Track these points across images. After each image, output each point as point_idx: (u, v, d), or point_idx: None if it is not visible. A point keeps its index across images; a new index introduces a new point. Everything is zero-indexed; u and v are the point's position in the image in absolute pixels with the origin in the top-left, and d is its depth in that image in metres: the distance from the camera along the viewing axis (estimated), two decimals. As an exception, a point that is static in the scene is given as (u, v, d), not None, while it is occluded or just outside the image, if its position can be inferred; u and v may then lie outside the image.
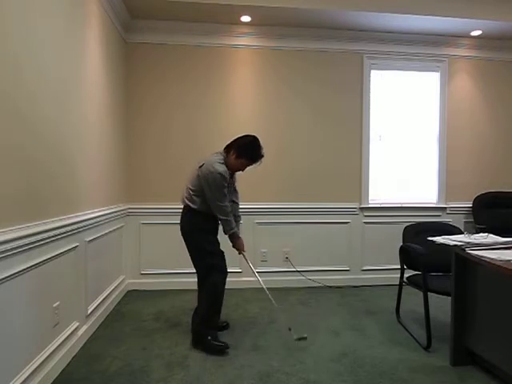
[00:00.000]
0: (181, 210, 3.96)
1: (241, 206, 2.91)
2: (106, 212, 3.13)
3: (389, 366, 2.33)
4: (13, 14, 1.79)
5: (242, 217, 2.94)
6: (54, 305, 2.20)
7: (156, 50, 3.90)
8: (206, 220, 2.61)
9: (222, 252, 2.67)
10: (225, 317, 2.86)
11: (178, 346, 2.59)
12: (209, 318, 2.59)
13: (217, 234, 2.71)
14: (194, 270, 2.73)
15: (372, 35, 4.07)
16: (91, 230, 2.79)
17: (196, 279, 2.75)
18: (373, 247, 4.16)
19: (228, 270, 2.67)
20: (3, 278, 1.68)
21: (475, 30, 3.98)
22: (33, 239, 1.91)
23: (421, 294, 2.59)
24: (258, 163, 2.62)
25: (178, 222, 3.95)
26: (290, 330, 2.69)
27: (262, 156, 2.61)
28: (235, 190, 2.83)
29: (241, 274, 3.82)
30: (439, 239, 2.55)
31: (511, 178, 4.37)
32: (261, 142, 2.63)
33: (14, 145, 1.81)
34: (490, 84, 4.34)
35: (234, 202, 2.77)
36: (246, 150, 2.57)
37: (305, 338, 2.68)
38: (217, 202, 2.53)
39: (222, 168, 2.52)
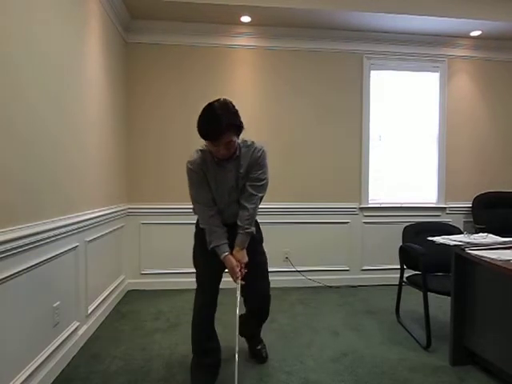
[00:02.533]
0: (180, 210, 4.00)
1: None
2: (106, 212, 3.13)
3: (389, 366, 2.33)
4: (12, 13, 1.79)
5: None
6: (54, 305, 2.20)
7: (156, 50, 3.90)
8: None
9: (213, 274, 2.10)
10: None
11: (178, 346, 2.60)
12: (193, 344, 2.16)
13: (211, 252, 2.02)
14: (194, 270, 2.65)
15: (372, 35, 4.07)
16: (91, 230, 2.79)
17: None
18: (372, 247, 4.16)
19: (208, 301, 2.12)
20: (3, 278, 1.69)
21: (475, 30, 3.99)
22: (33, 239, 1.91)
23: (420, 293, 2.59)
24: (215, 141, 1.82)
25: (178, 221, 4.02)
26: None
27: (202, 130, 1.82)
28: (248, 189, 2.00)
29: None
30: (439, 239, 2.56)
31: (511, 177, 4.37)
32: (216, 107, 1.81)
33: (14, 145, 1.81)
34: (489, 84, 4.34)
35: (241, 204, 2.01)
36: None
37: None
38: (192, 200, 2.06)
39: (193, 157, 1.98)
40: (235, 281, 1.99)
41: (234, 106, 1.87)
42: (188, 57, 3.94)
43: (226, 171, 1.97)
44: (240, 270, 1.96)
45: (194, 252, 2.18)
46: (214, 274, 2.11)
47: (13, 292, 1.78)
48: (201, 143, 1.98)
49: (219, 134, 1.80)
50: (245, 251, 2.01)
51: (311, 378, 2.19)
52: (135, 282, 3.90)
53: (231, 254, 1.98)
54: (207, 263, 2.07)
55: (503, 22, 3.78)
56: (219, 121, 1.77)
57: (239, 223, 1.99)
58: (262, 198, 2.08)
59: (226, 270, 2.05)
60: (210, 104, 1.84)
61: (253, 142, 2.03)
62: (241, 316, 2.12)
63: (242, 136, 1.98)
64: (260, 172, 2.01)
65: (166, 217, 3.89)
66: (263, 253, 2.22)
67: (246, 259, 2.00)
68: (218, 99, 1.85)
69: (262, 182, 2.03)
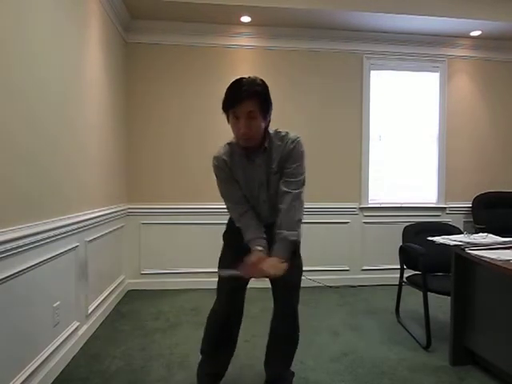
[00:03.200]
0: (179, 210, 4.01)
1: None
2: (106, 212, 3.13)
3: (389, 366, 2.33)
4: (12, 13, 1.79)
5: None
6: (54, 305, 2.20)
7: (156, 50, 3.90)
8: (232, 229, 1.86)
9: (236, 283, 1.82)
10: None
11: (178, 346, 2.60)
12: (202, 343, 2.04)
13: (241, 250, 1.71)
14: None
15: (372, 35, 4.07)
16: (91, 229, 2.79)
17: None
18: (373, 247, 4.16)
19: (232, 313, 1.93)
20: (4, 278, 1.69)
21: (475, 30, 3.99)
22: (33, 239, 1.91)
23: (421, 293, 2.60)
24: (235, 107, 1.63)
25: (178, 221, 4.03)
26: None
27: (224, 98, 1.66)
28: (281, 188, 1.73)
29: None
30: (439, 239, 2.56)
31: (511, 177, 4.37)
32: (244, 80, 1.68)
33: (14, 146, 1.81)
34: (489, 84, 4.34)
35: (278, 207, 1.73)
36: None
37: None
38: (222, 198, 1.86)
39: (219, 151, 1.81)
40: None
41: (263, 82, 1.70)
42: (188, 57, 3.94)
43: (255, 166, 1.75)
44: (252, 271, 1.58)
45: (220, 254, 1.96)
46: (236, 284, 1.83)
47: (13, 292, 1.77)
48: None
49: (239, 99, 1.60)
50: (284, 265, 1.59)
51: (311, 378, 2.19)
52: (135, 281, 3.90)
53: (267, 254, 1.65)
54: (233, 258, 1.74)
55: (503, 22, 3.78)
56: (241, 85, 1.63)
57: (276, 229, 1.69)
58: (299, 196, 1.71)
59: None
60: (251, 76, 1.73)
61: (287, 133, 1.77)
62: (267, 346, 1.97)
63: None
64: (295, 166, 1.71)
65: (165, 217, 3.89)
66: (296, 265, 1.80)
67: (276, 272, 1.57)
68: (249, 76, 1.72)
69: (298, 178, 1.71)
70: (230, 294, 1.89)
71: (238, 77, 1.70)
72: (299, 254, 1.88)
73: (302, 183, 1.74)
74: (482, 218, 4.05)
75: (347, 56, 4.13)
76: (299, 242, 1.79)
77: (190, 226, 3.85)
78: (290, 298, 1.86)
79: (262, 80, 1.71)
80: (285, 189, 1.71)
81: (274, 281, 1.78)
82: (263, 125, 1.69)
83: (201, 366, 2.03)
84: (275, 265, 1.59)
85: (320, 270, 4.07)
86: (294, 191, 1.70)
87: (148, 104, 3.91)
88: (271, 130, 1.78)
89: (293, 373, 2.01)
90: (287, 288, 1.83)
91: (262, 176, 1.76)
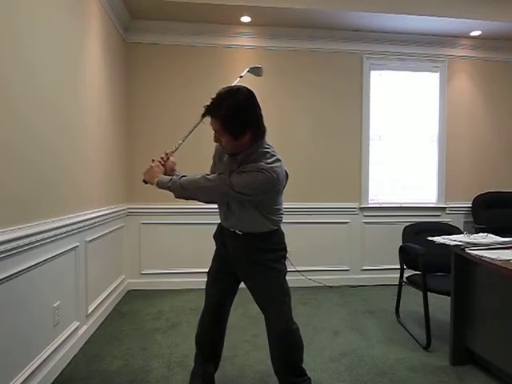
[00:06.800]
0: (179, 210, 4.01)
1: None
2: (106, 212, 3.13)
3: (388, 366, 2.33)
4: (9, 12, 1.78)
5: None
6: (54, 305, 2.20)
7: (156, 50, 3.89)
8: (217, 230, 2.00)
9: (217, 287, 1.94)
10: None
11: (178, 346, 2.60)
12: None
13: (218, 256, 1.96)
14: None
15: (372, 36, 4.07)
16: (91, 229, 2.79)
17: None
18: (372, 247, 4.16)
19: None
20: (3, 278, 1.69)
21: (474, 30, 3.98)
22: (33, 239, 1.91)
23: (421, 293, 2.60)
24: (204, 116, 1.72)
25: (178, 221, 4.03)
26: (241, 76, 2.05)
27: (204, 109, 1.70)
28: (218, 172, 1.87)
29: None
30: (439, 239, 2.56)
31: (511, 177, 4.37)
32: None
33: (15, 146, 1.81)
34: (489, 84, 4.34)
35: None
36: None
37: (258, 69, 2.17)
38: None
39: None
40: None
41: (248, 108, 1.63)
42: (188, 57, 3.94)
43: (225, 161, 1.78)
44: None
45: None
46: (217, 288, 1.93)
47: (13, 292, 1.77)
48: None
49: (206, 113, 1.65)
50: (148, 170, 1.97)
51: (311, 378, 2.18)
52: (135, 281, 3.90)
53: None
54: (213, 270, 1.95)
55: (503, 22, 3.77)
56: (212, 101, 1.63)
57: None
58: (218, 182, 1.70)
59: (242, 286, 1.94)
60: (238, 87, 1.68)
61: (269, 156, 1.74)
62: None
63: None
64: (244, 171, 1.65)
65: (166, 217, 3.89)
66: (271, 268, 1.81)
67: (144, 176, 1.97)
68: (249, 90, 1.66)
69: (234, 181, 1.64)
70: (215, 298, 1.95)
71: (227, 86, 1.71)
72: (271, 267, 1.82)
73: (230, 187, 1.65)
74: (481, 217, 4.04)
75: (347, 56, 4.13)
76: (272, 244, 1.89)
77: (189, 226, 3.85)
78: (269, 313, 1.86)
79: (251, 106, 1.65)
80: (218, 172, 1.74)
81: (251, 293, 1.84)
82: (236, 142, 1.65)
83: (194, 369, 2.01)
84: (147, 171, 1.91)
85: (320, 269, 4.07)
86: (220, 175, 1.70)
87: (148, 104, 3.91)
88: (268, 146, 1.76)
89: (309, 378, 1.89)
90: (258, 303, 1.88)
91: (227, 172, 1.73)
